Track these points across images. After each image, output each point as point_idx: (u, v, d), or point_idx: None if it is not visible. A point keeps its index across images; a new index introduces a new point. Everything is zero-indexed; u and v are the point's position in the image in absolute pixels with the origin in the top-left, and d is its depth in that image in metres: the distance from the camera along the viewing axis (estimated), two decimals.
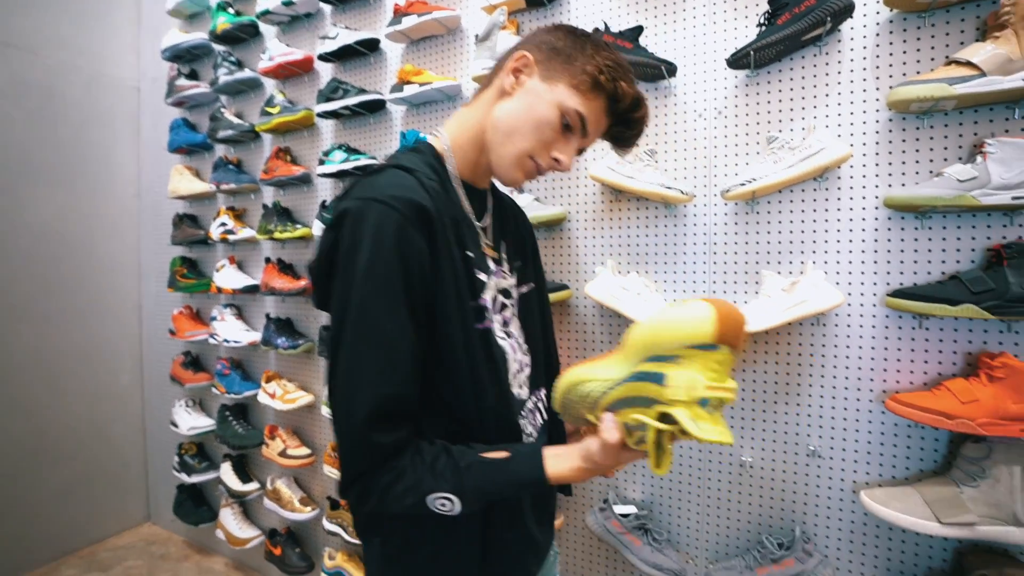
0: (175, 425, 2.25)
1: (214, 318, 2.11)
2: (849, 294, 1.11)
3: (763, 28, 1.12)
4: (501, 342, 0.73)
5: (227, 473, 2.11)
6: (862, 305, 1.10)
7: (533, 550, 0.79)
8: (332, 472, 1.77)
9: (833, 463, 1.14)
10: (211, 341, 2.09)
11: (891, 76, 1.06)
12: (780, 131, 1.16)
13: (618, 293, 1.23)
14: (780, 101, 1.16)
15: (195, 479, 2.21)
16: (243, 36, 2.04)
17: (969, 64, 0.96)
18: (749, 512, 1.24)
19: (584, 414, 0.64)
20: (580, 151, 0.75)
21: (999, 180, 0.94)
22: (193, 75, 2.22)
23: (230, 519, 2.11)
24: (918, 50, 1.04)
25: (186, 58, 2.24)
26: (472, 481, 0.61)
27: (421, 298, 0.62)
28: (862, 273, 1.10)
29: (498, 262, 0.79)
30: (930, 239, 1.05)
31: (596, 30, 1.27)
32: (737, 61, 1.13)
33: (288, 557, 1.93)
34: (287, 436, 1.91)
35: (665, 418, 0.51)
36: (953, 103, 0.98)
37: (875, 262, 1.09)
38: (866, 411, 1.11)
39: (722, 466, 1.26)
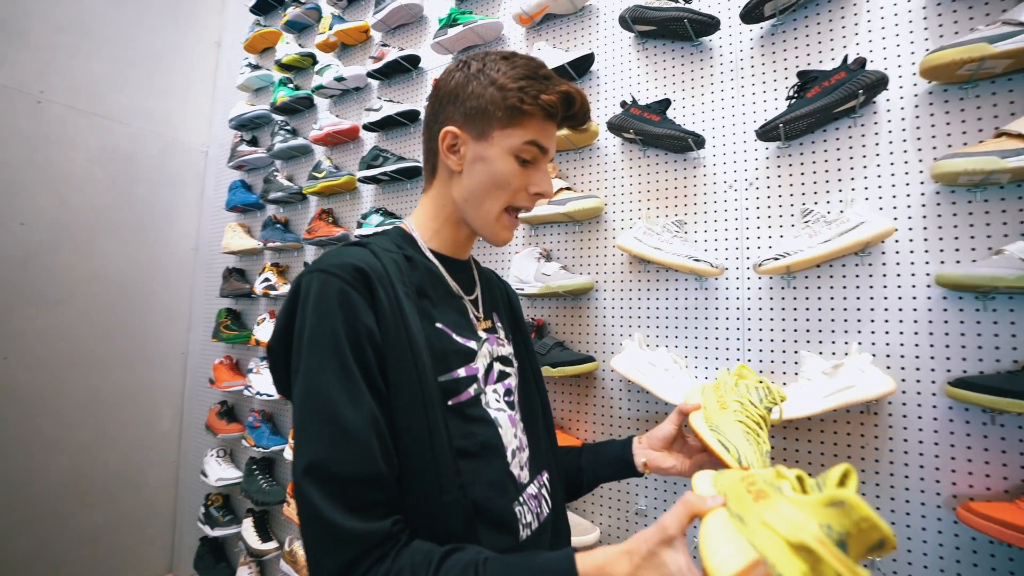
0: (204, 475, 2.27)
1: (251, 370, 2.17)
2: (903, 380, 1.00)
3: (793, 101, 1.10)
4: (496, 413, 0.69)
5: (248, 529, 2.08)
6: (919, 394, 0.99)
7: None
8: None
9: None
10: (246, 392, 2.14)
11: (935, 148, 1.01)
12: (816, 203, 1.11)
13: (645, 368, 1.16)
14: (815, 173, 1.12)
15: (217, 533, 2.20)
16: (299, 108, 2.23)
17: (1022, 136, 0.89)
18: None
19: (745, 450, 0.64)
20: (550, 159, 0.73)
21: None
22: (253, 141, 2.43)
23: None
24: (963, 121, 0.99)
25: (249, 126, 2.46)
26: (492, 574, 0.51)
27: (375, 364, 0.58)
28: (916, 358, 1.00)
29: (491, 331, 0.76)
30: (995, 322, 0.94)
31: (623, 103, 1.29)
32: (767, 133, 1.11)
33: None
34: None
35: None
36: (1007, 176, 0.91)
37: (931, 346, 0.99)
38: (933, 518, 0.97)
39: None
